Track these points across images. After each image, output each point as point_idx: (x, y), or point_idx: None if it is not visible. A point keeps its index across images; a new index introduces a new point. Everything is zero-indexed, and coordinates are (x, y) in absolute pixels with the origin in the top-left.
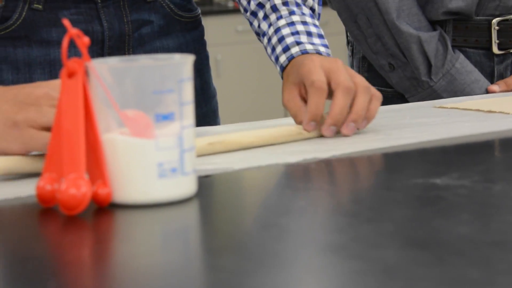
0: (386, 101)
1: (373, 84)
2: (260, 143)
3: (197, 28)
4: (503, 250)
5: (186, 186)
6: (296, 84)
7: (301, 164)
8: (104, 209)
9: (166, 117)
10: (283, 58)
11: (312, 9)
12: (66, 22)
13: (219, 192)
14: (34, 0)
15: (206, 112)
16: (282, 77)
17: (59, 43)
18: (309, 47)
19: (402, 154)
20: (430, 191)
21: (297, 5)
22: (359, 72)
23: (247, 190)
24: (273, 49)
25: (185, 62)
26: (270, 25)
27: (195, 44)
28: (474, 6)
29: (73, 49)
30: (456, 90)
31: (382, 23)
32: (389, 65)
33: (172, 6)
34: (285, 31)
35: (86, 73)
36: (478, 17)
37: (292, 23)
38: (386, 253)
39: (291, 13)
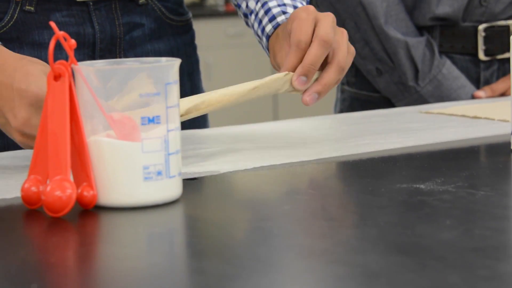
0: (373, 106)
1: (361, 89)
2: (241, 98)
3: (188, 32)
4: (485, 256)
5: (171, 189)
6: (286, 40)
7: (287, 168)
8: (89, 211)
9: (152, 120)
10: (269, 27)
11: None
12: (52, 24)
13: (204, 195)
14: (26, 2)
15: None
16: (267, 48)
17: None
18: (291, 11)
19: (388, 159)
20: (414, 196)
21: None
22: (346, 76)
23: (232, 194)
24: (260, 22)
25: (171, 65)
26: (257, 1)
27: (186, 47)
28: (460, 12)
29: (63, 52)
30: (443, 95)
31: (370, 28)
32: (376, 70)
33: (163, 10)
34: (272, 3)
35: (73, 75)
36: (464, 23)
37: None
38: (369, 258)
39: None
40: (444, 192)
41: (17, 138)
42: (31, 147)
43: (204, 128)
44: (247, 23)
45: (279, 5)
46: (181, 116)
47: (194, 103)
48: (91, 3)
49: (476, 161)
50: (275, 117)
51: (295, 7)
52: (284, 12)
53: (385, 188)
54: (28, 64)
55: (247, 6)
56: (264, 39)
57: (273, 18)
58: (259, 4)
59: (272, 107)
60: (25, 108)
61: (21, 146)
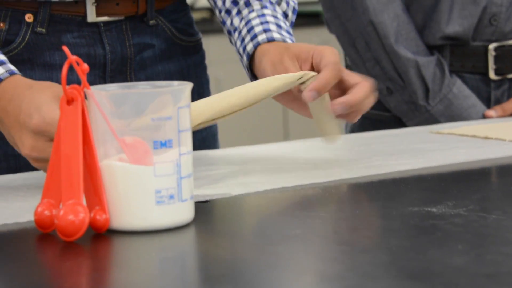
0: (383, 125)
1: (371, 108)
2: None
3: (198, 53)
4: (497, 282)
5: (183, 213)
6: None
7: (298, 190)
8: (102, 235)
9: (164, 144)
10: (249, 46)
11: (285, 13)
12: (65, 48)
13: (216, 218)
14: (37, 23)
15: (206, 136)
16: (247, 67)
17: (62, 66)
18: (276, 35)
19: (399, 181)
20: (426, 220)
21: (271, 3)
22: None
23: (244, 217)
24: (242, 40)
25: (183, 89)
26: (242, 19)
27: (196, 68)
28: (471, 32)
29: (75, 74)
30: (453, 114)
31: (380, 47)
32: (387, 89)
33: (173, 30)
34: (255, 21)
35: (85, 99)
36: (475, 43)
37: (262, 15)
38: (381, 284)
39: (263, 7)
40: (456, 216)
41: (31, 162)
42: (46, 169)
43: (215, 149)
44: (230, 41)
45: (261, 23)
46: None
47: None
48: (102, 24)
49: (488, 183)
50: (286, 136)
51: (278, 25)
52: (265, 31)
53: (396, 211)
54: (35, 93)
55: (231, 23)
56: (245, 57)
57: (254, 36)
58: (243, 22)
59: (282, 126)
60: (29, 136)
61: (38, 170)
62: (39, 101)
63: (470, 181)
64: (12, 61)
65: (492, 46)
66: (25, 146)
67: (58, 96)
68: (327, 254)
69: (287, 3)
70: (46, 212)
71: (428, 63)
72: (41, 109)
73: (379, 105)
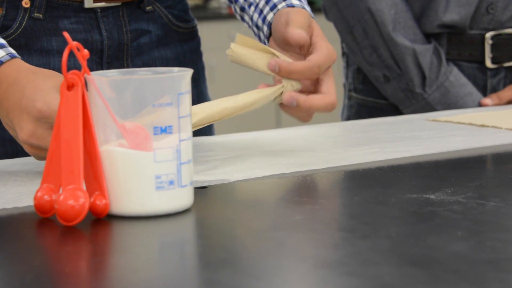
0: (380, 113)
1: (368, 96)
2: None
3: (194, 39)
4: (498, 269)
5: (183, 198)
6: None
7: (296, 177)
8: (101, 220)
9: (164, 130)
10: (270, 16)
11: None
12: (66, 34)
13: (215, 204)
14: (34, 9)
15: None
16: (267, 38)
17: (59, 52)
18: (295, 2)
19: (397, 168)
20: (425, 206)
21: None
22: (353, 83)
23: (243, 203)
24: (260, 12)
25: (184, 75)
26: None
27: (192, 54)
28: (468, 20)
29: (73, 59)
30: (450, 102)
31: (378, 35)
32: (384, 77)
33: (170, 17)
34: None
35: (85, 85)
36: (472, 31)
37: None
38: (382, 270)
39: None
40: (454, 203)
41: (27, 149)
42: (41, 158)
43: (211, 136)
44: (242, 18)
45: None
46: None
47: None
48: (99, 10)
49: (485, 171)
50: (278, 124)
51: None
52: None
53: (395, 198)
54: (39, 79)
55: None
56: (265, 27)
57: (274, 6)
58: None
59: (275, 114)
60: (31, 122)
61: (33, 157)
62: (44, 87)
63: (467, 169)
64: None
65: (489, 35)
66: (24, 131)
67: (57, 87)
68: (328, 241)
69: None
70: (46, 197)
71: (425, 51)
72: (45, 96)
73: (375, 92)
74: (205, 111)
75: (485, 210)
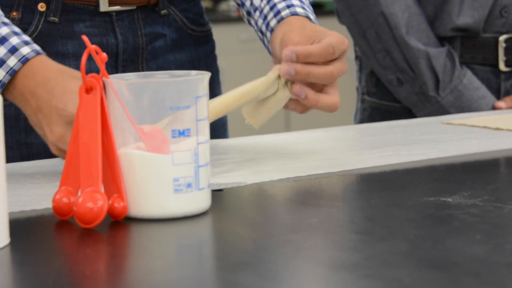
0: (394, 116)
1: (381, 99)
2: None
3: (209, 43)
4: None
5: (200, 201)
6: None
7: (312, 180)
8: (119, 223)
9: (183, 133)
10: (273, 22)
11: None
12: (85, 38)
13: (232, 207)
14: (50, 12)
15: (216, 126)
16: (269, 46)
17: (74, 55)
18: (299, 10)
19: (412, 171)
20: (442, 209)
21: None
22: (366, 86)
23: (260, 205)
24: (265, 17)
25: (202, 78)
26: None
27: (206, 58)
28: (481, 23)
29: (88, 62)
30: (463, 105)
31: (391, 38)
32: (397, 80)
33: (185, 20)
34: None
35: (104, 88)
36: (485, 34)
37: None
38: (400, 273)
39: None
40: (472, 206)
41: (53, 150)
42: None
43: (225, 138)
44: (249, 22)
45: (283, 0)
46: None
47: None
48: (114, 14)
49: (501, 174)
50: (287, 127)
51: (300, 0)
52: (288, 6)
53: (412, 201)
54: (69, 80)
55: (251, 3)
56: (268, 33)
57: (277, 12)
58: (264, 1)
59: (284, 118)
60: (61, 125)
61: (58, 156)
62: (74, 90)
63: (483, 172)
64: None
65: (502, 38)
66: (54, 134)
67: None
68: (346, 243)
69: None
70: (65, 199)
71: (439, 54)
72: (76, 98)
73: (389, 95)
74: (219, 101)
75: (503, 214)
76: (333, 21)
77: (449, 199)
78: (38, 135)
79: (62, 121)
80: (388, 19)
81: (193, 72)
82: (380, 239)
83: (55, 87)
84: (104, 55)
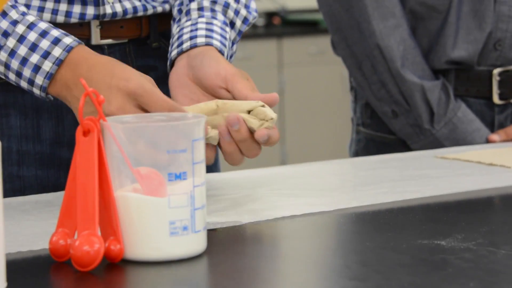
0: (388, 148)
1: (376, 131)
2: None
3: None
4: None
5: (196, 244)
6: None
7: (307, 219)
8: (115, 265)
9: (179, 176)
10: (174, 53)
11: (231, 22)
12: (83, 81)
13: (228, 247)
14: None
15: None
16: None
17: None
18: (200, 40)
19: (407, 210)
20: (436, 254)
21: (212, 10)
22: (361, 118)
23: (255, 247)
24: (171, 45)
25: (198, 122)
26: (178, 27)
27: None
28: (475, 57)
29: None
30: (458, 138)
31: (386, 70)
32: (392, 112)
33: None
34: (186, 29)
35: (101, 131)
36: (479, 67)
37: (195, 23)
38: None
39: (200, 16)
40: (466, 250)
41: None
42: None
43: (216, 172)
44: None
45: (191, 31)
46: None
47: None
48: (106, 47)
49: (494, 215)
50: (284, 160)
51: (209, 30)
52: (191, 38)
53: (406, 244)
54: (123, 64)
55: (172, 31)
56: (168, 63)
57: (180, 44)
58: (177, 29)
59: (279, 151)
60: (121, 97)
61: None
62: (135, 71)
63: (477, 212)
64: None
65: (496, 71)
66: (113, 104)
67: (141, 74)
68: None
69: (237, 13)
70: (61, 242)
71: (434, 87)
72: (138, 75)
73: (384, 127)
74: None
75: (496, 259)
76: (327, 40)
77: (443, 242)
78: (30, 168)
79: (121, 93)
80: (383, 51)
81: (189, 114)
82: (374, 287)
83: (114, 66)
84: (102, 97)
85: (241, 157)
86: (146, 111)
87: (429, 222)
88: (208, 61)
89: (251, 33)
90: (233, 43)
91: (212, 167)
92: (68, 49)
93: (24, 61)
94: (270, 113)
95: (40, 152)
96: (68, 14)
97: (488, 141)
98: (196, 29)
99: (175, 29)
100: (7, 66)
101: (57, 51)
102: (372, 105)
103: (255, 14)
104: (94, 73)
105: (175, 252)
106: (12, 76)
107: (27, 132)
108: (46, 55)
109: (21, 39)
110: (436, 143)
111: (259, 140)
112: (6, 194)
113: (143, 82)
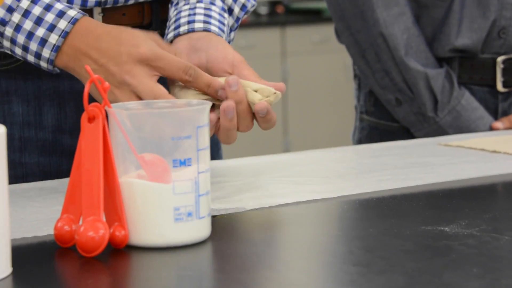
0: (392, 135)
1: (379, 118)
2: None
3: None
4: None
5: (201, 230)
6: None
7: (311, 205)
8: (120, 251)
9: (183, 163)
10: (170, 35)
11: (230, 9)
12: (88, 68)
13: (232, 233)
14: None
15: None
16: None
17: (68, 75)
18: (198, 25)
19: (410, 196)
20: (440, 240)
21: None
22: (365, 106)
23: (259, 233)
24: (168, 28)
25: (202, 108)
26: (175, 10)
27: None
28: (479, 44)
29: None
30: (461, 126)
31: (390, 59)
32: (396, 100)
33: None
34: (184, 13)
35: (106, 117)
36: (483, 55)
37: (194, 8)
38: None
39: (199, 1)
40: (469, 236)
41: (116, 93)
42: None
43: (218, 156)
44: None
45: (189, 15)
46: None
47: None
48: None
49: (498, 201)
50: (287, 147)
51: (207, 16)
52: (189, 22)
53: (410, 230)
54: (130, 29)
55: (169, 14)
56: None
57: (177, 26)
58: (175, 12)
59: (283, 139)
60: (131, 62)
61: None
62: (141, 34)
63: (480, 199)
64: (19, 71)
65: (500, 59)
66: (123, 69)
67: (151, 38)
68: (344, 276)
69: (235, 0)
70: (66, 227)
71: (437, 75)
72: (147, 40)
73: (387, 115)
74: None
75: (499, 245)
76: (330, 28)
77: (447, 228)
78: (32, 155)
79: (132, 59)
80: (387, 40)
81: (194, 101)
82: (378, 272)
83: (121, 33)
84: (107, 84)
85: (236, 135)
86: (158, 74)
87: (433, 208)
88: (215, 44)
89: (254, 22)
90: (231, 30)
91: (214, 155)
92: (73, 21)
93: (30, 35)
94: (275, 91)
95: (42, 139)
96: (70, 0)
97: (491, 128)
98: (194, 14)
99: (172, 11)
100: (13, 41)
101: (62, 24)
102: (376, 93)
103: (253, 2)
104: (102, 42)
105: (179, 238)
106: (18, 51)
107: (29, 119)
108: (51, 28)
109: (26, 13)
110: (439, 131)
111: (258, 112)
112: (8, 181)
113: (153, 47)
